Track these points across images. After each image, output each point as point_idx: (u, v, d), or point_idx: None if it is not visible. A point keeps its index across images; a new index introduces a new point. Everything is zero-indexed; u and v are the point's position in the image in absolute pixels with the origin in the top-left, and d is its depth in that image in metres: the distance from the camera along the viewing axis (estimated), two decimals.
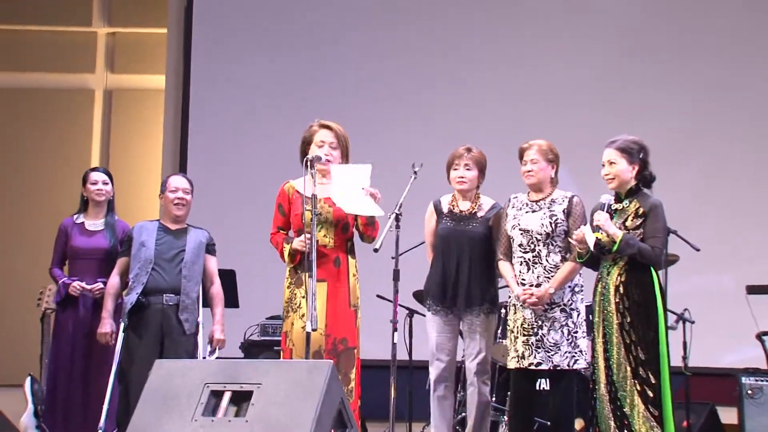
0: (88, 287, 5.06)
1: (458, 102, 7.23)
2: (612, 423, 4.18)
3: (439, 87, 7.29)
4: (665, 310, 4.27)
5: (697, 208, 6.55)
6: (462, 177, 4.67)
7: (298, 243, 4.27)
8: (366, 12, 7.46)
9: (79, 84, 7.83)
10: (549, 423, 4.70)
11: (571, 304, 4.47)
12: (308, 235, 4.16)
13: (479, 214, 4.70)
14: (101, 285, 5.03)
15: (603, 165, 4.37)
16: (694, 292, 6.20)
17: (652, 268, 4.25)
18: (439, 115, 7.20)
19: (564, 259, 4.47)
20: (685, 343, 5.47)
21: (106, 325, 4.88)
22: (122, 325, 4.76)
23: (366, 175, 4.26)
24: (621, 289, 4.23)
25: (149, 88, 7.80)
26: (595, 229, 4.25)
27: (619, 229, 4.24)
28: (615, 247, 4.20)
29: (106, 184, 5.21)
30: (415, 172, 4.59)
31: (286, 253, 4.35)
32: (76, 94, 7.78)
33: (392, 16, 7.40)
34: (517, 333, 4.50)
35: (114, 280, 4.96)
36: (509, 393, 4.76)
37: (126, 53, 7.88)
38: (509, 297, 4.62)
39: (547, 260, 4.47)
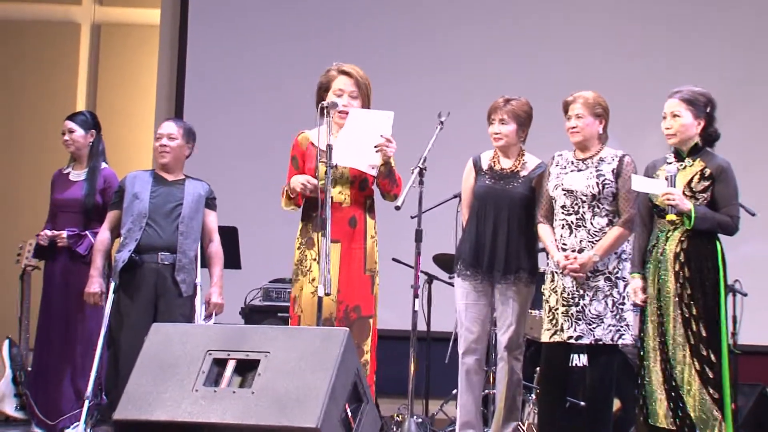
0: (50, 234, 5.06)
1: (489, 46, 7.18)
2: (665, 404, 4.14)
3: (466, 29, 7.20)
4: (726, 282, 4.22)
5: (752, 168, 6.44)
6: (497, 133, 4.60)
7: (298, 182, 4.20)
8: None
9: (64, 17, 7.80)
10: (582, 403, 4.69)
11: (616, 272, 4.39)
12: (313, 181, 4.13)
13: (522, 173, 4.63)
14: (64, 234, 5.03)
15: (664, 117, 4.27)
16: (746, 262, 6.16)
17: (717, 236, 4.21)
18: (468, 60, 7.15)
19: (611, 224, 4.41)
20: (735, 318, 5.51)
21: (94, 285, 4.84)
22: (112, 285, 4.72)
23: (388, 123, 4.19)
24: (681, 257, 4.16)
25: (142, 23, 7.79)
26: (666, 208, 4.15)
27: (683, 192, 4.15)
28: (690, 224, 4.12)
29: (72, 132, 5.26)
30: (442, 122, 4.51)
31: (282, 194, 4.27)
32: (61, 27, 7.77)
33: None
34: (555, 303, 4.43)
35: (104, 235, 4.92)
36: (539, 369, 4.75)
37: None
38: (547, 264, 4.57)
39: (591, 223, 4.41)
